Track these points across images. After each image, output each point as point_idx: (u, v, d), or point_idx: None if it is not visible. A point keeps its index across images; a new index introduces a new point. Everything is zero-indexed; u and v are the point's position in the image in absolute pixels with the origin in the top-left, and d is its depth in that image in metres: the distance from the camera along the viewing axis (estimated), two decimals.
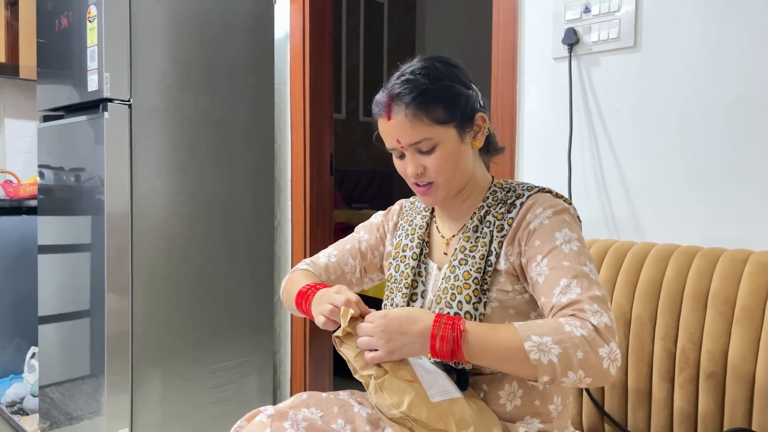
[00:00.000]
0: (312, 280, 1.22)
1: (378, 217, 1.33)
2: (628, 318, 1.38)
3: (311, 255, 2.48)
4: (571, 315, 0.93)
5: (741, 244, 1.41)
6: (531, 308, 1.07)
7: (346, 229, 3.68)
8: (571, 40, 1.68)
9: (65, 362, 2.17)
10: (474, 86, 1.11)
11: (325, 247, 2.59)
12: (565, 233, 1.02)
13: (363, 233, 1.33)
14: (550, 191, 1.11)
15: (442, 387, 1.02)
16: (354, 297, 1.03)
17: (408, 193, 1.21)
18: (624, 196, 1.64)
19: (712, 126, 1.49)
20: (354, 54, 4.73)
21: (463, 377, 1.07)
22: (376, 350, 0.97)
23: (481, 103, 1.11)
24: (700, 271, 1.32)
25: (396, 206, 1.32)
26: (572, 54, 1.70)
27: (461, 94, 1.06)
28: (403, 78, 1.06)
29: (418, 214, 1.23)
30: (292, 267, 2.50)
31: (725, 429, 1.25)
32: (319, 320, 1.06)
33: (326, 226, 2.56)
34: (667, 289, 1.35)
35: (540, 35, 1.78)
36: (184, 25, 2.11)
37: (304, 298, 1.15)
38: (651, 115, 1.58)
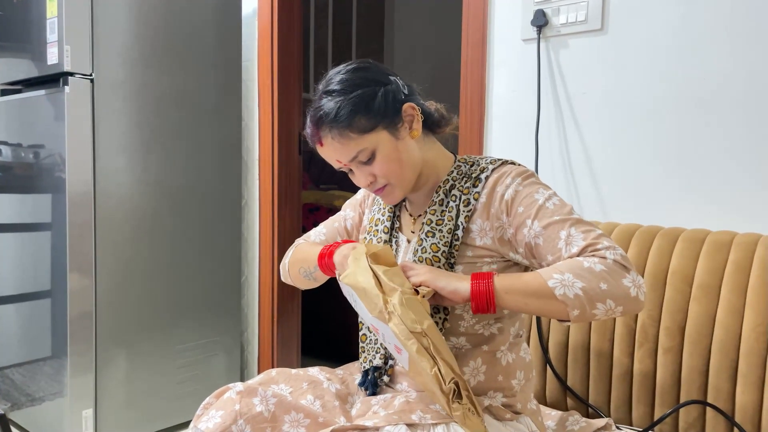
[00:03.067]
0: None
1: (361, 192, 1.35)
2: None
3: (279, 235, 2.47)
4: (588, 255, 0.96)
5: (699, 224, 1.46)
6: None
7: (314, 210, 3.66)
8: (540, 21, 1.70)
9: (26, 343, 2.12)
10: (393, 78, 1.09)
11: (293, 227, 2.58)
12: (542, 192, 1.04)
13: (349, 211, 1.34)
14: (513, 163, 1.12)
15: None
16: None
17: None
18: (589, 177, 1.67)
19: (676, 109, 1.52)
20: (322, 33, 4.67)
21: None
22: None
23: (405, 91, 1.09)
24: (660, 250, 1.36)
25: None
26: (541, 36, 1.71)
27: (376, 95, 1.05)
28: (322, 101, 1.06)
29: None
30: (259, 247, 2.49)
31: (681, 401, 1.30)
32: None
33: (295, 206, 2.54)
34: None
35: (509, 16, 1.79)
36: None
37: (328, 251, 1.15)
38: (617, 97, 1.61)
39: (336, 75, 1.08)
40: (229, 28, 2.31)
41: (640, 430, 1.34)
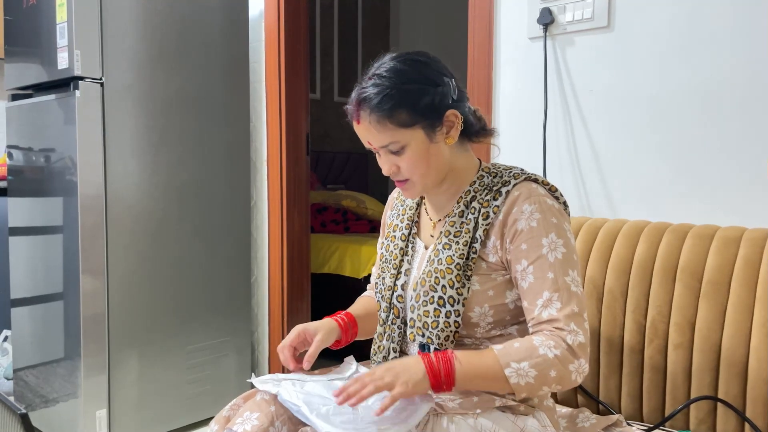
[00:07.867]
0: (363, 305, 1.33)
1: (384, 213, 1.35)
2: (600, 292, 1.42)
3: (288, 236, 2.49)
4: (549, 332, 1.00)
5: (708, 220, 1.46)
6: (507, 288, 1.09)
7: (322, 210, 3.67)
8: (546, 19, 1.70)
9: (40, 345, 2.15)
10: (447, 79, 1.08)
11: (302, 227, 2.59)
12: (551, 239, 1.04)
13: (380, 238, 1.33)
14: (536, 179, 1.11)
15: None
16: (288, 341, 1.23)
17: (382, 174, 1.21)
18: (597, 174, 1.67)
19: (682, 105, 1.52)
20: (328, 33, 4.68)
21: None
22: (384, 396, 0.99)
23: (455, 96, 1.08)
24: (670, 246, 1.36)
25: (394, 192, 1.33)
26: (547, 34, 1.71)
27: (426, 95, 1.05)
28: (370, 82, 1.06)
29: None
30: (268, 247, 2.51)
31: (692, 397, 1.30)
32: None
33: (303, 206, 2.56)
34: (638, 264, 1.39)
35: (515, 15, 1.79)
36: (156, 1, 2.07)
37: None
38: (623, 94, 1.61)
39: (391, 61, 1.08)
40: (236, 30, 2.33)
41: (651, 426, 1.34)
